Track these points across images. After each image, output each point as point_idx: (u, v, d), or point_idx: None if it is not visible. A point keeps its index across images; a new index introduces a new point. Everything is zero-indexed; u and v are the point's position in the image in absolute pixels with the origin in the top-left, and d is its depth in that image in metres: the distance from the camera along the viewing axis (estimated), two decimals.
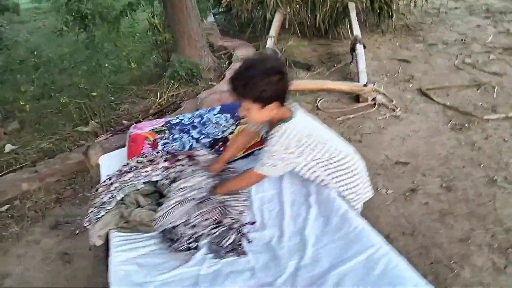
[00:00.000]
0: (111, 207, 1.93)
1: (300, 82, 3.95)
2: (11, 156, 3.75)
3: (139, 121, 4.08)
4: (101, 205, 2.00)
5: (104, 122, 4.14)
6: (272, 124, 1.78)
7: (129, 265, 1.71)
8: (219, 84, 4.36)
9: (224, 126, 2.33)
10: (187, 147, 2.25)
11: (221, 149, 2.23)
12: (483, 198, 2.61)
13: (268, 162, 1.75)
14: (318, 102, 3.97)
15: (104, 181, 2.11)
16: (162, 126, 2.39)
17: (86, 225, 2.03)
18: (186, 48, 4.79)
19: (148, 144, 2.24)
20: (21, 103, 3.89)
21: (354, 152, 1.93)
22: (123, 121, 4.24)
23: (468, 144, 3.14)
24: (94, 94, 4.23)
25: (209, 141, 2.26)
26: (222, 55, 5.33)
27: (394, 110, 3.72)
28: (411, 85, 4.14)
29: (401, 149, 3.19)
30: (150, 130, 2.35)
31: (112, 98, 4.42)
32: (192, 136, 2.30)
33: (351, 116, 3.70)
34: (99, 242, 1.86)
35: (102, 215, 1.91)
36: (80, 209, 3.09)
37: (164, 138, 2.29)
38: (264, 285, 1.55)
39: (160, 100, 4.35)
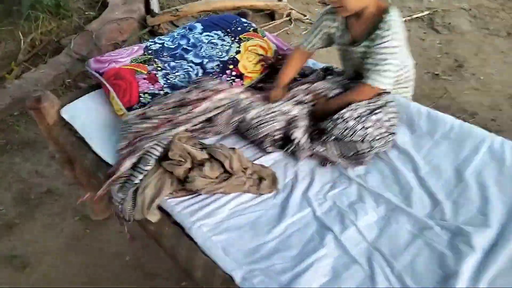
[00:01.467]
0: (150, 167, 1.36)
1: (211, 1, 3.46)
2: None
3: (11, 70, 3.01)
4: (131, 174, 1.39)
5: None
6: (366, 18, 1.53)
7: (224, 232, 1.26)
8: (106, 12, 3.50)
9: (223, 45, 1.85)
10: (193, 76, 1.72)
11: (234, 73, 1.79)
12: (438, 91, 2.83)
13: (387, 70, 1.50)
14: None
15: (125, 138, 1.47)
16: (143, 54, 1.76)
17: (118, 204, 1.39)
18: None
19: (144, 78, 1.62)
20: None
21: None
22: None
23: None
24: None
25: (217, 64, 1.77)
26: None
27: (311, 24, 3.63)
28: None
29: None
30: (131, 61, 1.70)
31: None
32: (192, 61, 1.76)
33: (275, 34, 3.46)
34: (155, 217, 1.31)
35: (138, 182, 1.34)
36: None
37: (159, 68, 1.69)
38: (398, 201, 1.34)
39: (29, 41, 3.26)
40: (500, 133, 2.49)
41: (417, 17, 3.70)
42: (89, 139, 1.55)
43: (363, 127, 1.49)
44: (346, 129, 1.49)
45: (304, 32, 3.52)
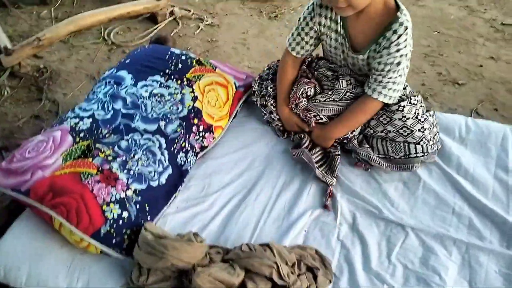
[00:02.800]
0: None
1: (84, 16, 2.77)
2: None
3: None
4: None
5: None
6: (370, 17, 1.21)
7: None
8: None
9: (172, 94, 1.40)
10: (158, 153, 1.25)
11: (201, 127, 1.37)
12: None
13: (397, 82, 1.24)
14: (110, 35, 2.99)
15: None
16: (75, 142, 1.21)
17: None
18: None
19: (97, 181, 1.11)
20: None
21: None
22: None
23: None
24: None
25: (178, 124, 1.33)
26: None
27: (202, 20, 3.21)
28: None
29: (255, 52, 2.87)
30: (64, 160, 1.15)
31: None
32: (145, 131, 1.28)
33: None
34: None
35: None
36: None
37: (109, 157, 1.18)
38: (466, 237, 1.17)
39: None
40: None
41: None
42: None
43: (422, 127, 1.28)
44: (403, 127, 1.27)
45: (198, 31, 3.10)
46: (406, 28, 1.17)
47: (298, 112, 1.42)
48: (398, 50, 1.18)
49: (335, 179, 1.32)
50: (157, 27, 3.11)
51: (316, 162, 1.34)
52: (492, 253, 1.14)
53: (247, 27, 3.15)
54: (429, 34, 2.93)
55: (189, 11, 3.31)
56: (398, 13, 1.17)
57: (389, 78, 1.22)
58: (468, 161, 1.35)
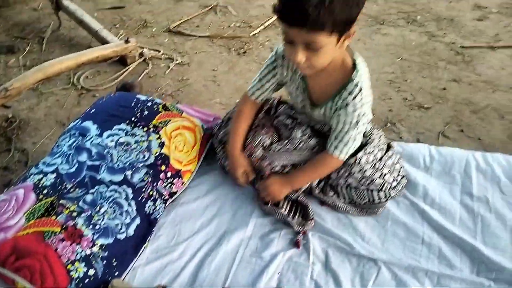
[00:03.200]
0: None
1: (52, 63, 2.77)
2: None
3: None
4: None
5: None
6: (328, 73, 1.21)
7: None
8: None
9: (138, 142, 1.39)
10: (124, 204, 1.24)
11: (169, 173, 1.37)
12: None
13: (357, 140, 1.26)
14: (80, 80, 2.99)
15: None
16: (38, 200, 1.18)
17: None
18: None
19: (61, 240, 1.08)
20: None
21: None
22: None
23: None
24: None
25: (145, 173, 1.32)
26: None
27: (172, 59, 3.25)
28: (154, 29, 3.68)
29: (226, 89, 2.90)
30: (27, 220, 1.12)
31: None
32: (111, 182, 1.27)
33: (137, 80, 2.99)
34: None
35: None
36: None
37: (74, 213, 1.16)
38: (436, 267, 1.17)
39: None
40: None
41: None
42: None
43: (381, 174, 1.31)
44: (363, 178, 1.30)
45: (168, 71, 3.12)
46: (361, 89, 1.18)
47: (252, 160, 1.41)
48: (355, 110, 1.20)
49: (313, 221, 1.31)
50: (127, 69, 3.13)
51: (288, 214, 1.32)
52: (463, 282, 1.15)
53: (217, 64, 3.20)
54: (393, 61, 3.03)
55: (159, 51, 3.36)
56: (354, 72, 1.19)
57: (349, 135, 1.24)
58: (434, 189, 1.37)
